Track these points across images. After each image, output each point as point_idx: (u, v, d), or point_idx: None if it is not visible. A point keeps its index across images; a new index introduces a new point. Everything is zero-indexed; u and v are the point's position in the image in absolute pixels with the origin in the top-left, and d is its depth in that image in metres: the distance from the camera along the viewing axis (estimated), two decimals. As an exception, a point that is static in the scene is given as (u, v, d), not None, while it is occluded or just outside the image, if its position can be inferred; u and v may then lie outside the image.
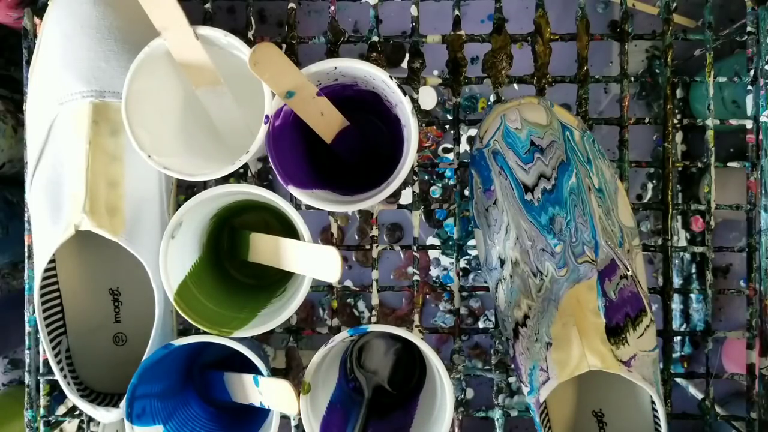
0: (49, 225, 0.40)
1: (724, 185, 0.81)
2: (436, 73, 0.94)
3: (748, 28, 0.47)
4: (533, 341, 0.39)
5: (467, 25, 0.48)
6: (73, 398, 0.41)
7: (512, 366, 0.45)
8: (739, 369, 0.84)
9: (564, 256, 0.39)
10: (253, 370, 0.41)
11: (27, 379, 0.48)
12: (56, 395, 0.49)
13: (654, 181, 0.95)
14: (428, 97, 0.95)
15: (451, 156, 0.92)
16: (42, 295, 0.42)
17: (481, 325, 0.96)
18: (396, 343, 0.45)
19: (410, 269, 0.95)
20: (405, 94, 0.38)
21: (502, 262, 0.41)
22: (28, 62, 0.46)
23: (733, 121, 0.48)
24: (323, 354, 0.39)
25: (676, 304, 0.92)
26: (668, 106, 0.47)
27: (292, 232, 0.42)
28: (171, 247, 0.39)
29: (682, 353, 0.94)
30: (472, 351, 0.97)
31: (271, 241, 0.41)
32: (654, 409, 0.40)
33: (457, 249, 0.48)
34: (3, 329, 0.72)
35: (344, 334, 0.38)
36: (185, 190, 0.48)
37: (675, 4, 0.47)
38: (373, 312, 0.47)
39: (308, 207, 0.46)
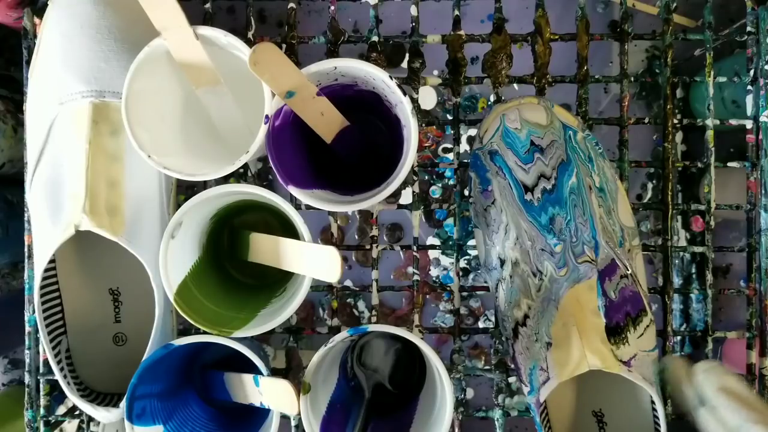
0: (49, 225, 0.40)
1: (724, 185, 0.81)
2: (436, 73, 0.94)
3: (748, 28, 0.47)
4: (533, 341, 0.39)
5: (467, 25, 0.48)
6: (73, 398, 0.41)
7: (512, 366, 0.45)
8: (739, 369, 0.84)
9: (564, 256, 0.39)
10: (253, 370, 0.41)
11: (27, 379, 0.48)
12: (56, 395, 0.49)
13: (654, 181, 0.95)
14: (428, 97, 0.95)
15: (451, 156, 0.92)
16: (42, 295, 0.42)
17: (481, 325, 0.96)
18: (396, 343, 0.45)
19: (410, 269, 0.95)
20: (405, 94, 0.38)
21: (502, 262, 0.41)
22: (28, 62, 0.46)
23: (733, 121, 0.48)
24: (323, 354, 0.39)
25: (676, 304, 0.92)
26: (668, 106, 0.47)
27: (292, 232, 0.42)
28: (171, 247, 0.39)
29: (682, 353, 0.95)
30: (472, 351, 0.97)
31: (271, 241, 0.41)
32: (654, 409, 0.40)
33: (457, 249, 0.48)
34: (3, 329, 0.72)
35: (344, 334, 0.38)
36: (185, 190, 0.48)
37: (675, 4, 0.47)
38: (373, 312, 0.47)
39: (308, 207, 0.46)
